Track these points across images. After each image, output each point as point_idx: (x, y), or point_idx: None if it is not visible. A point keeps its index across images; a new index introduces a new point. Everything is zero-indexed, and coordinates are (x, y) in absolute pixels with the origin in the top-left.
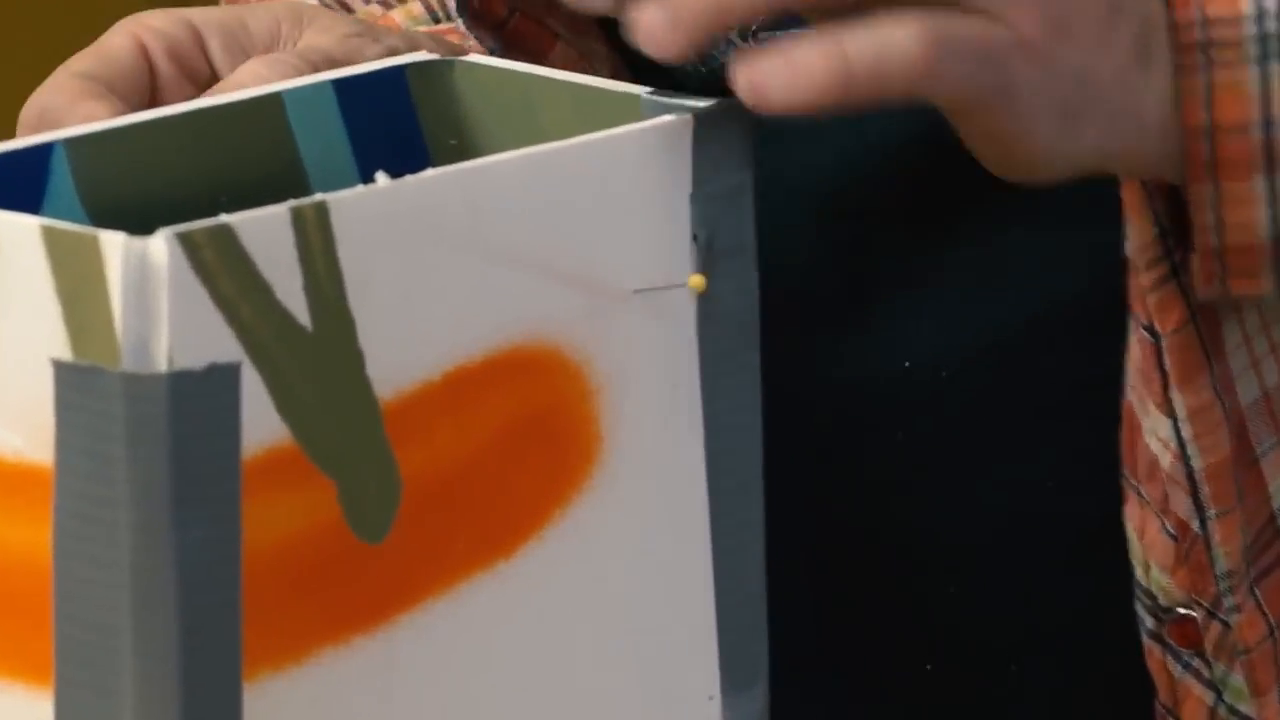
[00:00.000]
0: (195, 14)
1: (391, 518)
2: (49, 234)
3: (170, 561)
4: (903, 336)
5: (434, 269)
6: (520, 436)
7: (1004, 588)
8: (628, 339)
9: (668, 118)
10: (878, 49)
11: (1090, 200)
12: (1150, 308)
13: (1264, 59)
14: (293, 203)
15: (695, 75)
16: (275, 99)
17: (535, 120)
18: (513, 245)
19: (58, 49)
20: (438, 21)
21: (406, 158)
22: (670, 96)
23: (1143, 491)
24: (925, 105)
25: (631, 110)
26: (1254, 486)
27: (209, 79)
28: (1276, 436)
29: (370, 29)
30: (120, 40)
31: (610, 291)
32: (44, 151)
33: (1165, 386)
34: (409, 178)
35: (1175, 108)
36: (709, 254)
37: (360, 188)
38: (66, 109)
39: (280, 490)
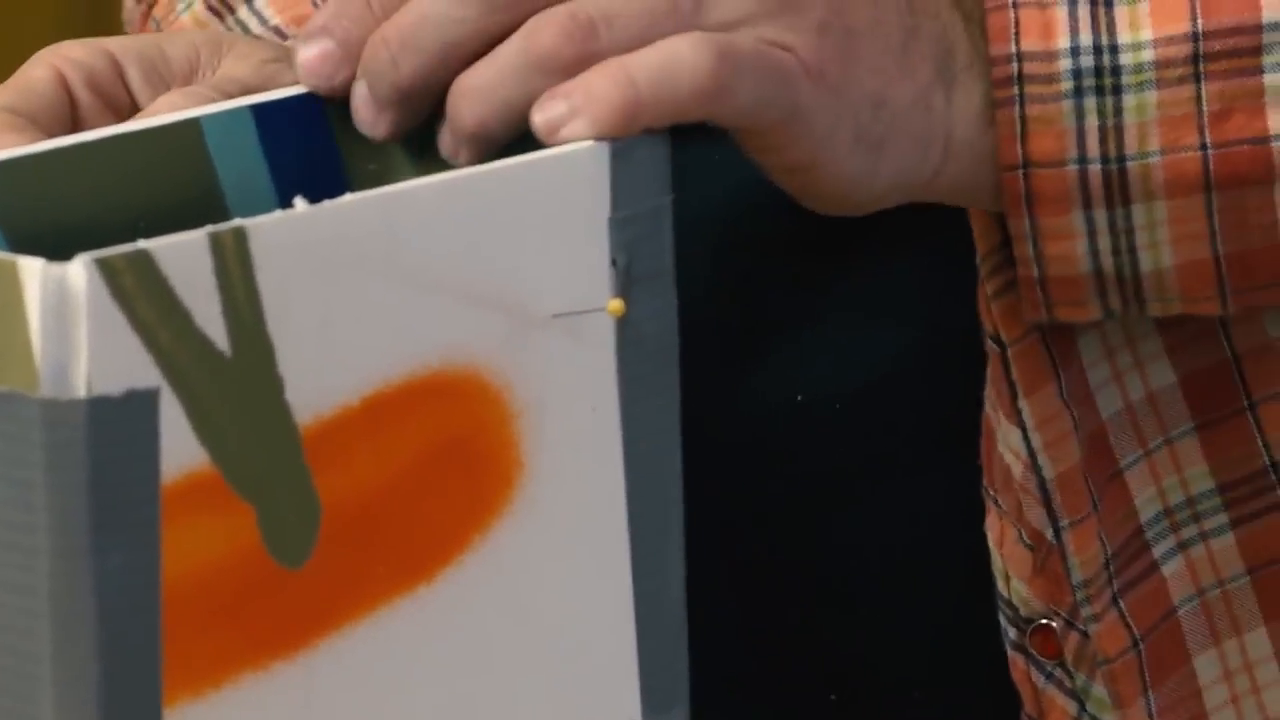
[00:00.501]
0: (113, 44)
1: (311, 543)
2: None
3: (89, 588)
4: (795, 369)
5: (353, 294)
6: (440, 461)
7: (904, 614)
8: (547, 363)
9: (586, 143)
10: (665, 68)
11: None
12: (995, 316)
13: (1078, 93)
14: (211, 228)
15: None
16: (193, 124)
17: None
18: (431, 270)
19: None
20: None
21: (325, 183)
22: None
23: (1000, 501)
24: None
25: None
26: (1117, 499)
27: (129, 108)
28: (1141, 450)
29: (289, 54)
30: (40, 72)
31: (529, 316)
32: None
33: (1014, 396)
34: (327, 203)
35: (988, 128)
36: (628, 279)
37: (278, 213)
38: None
39: (200, 516)
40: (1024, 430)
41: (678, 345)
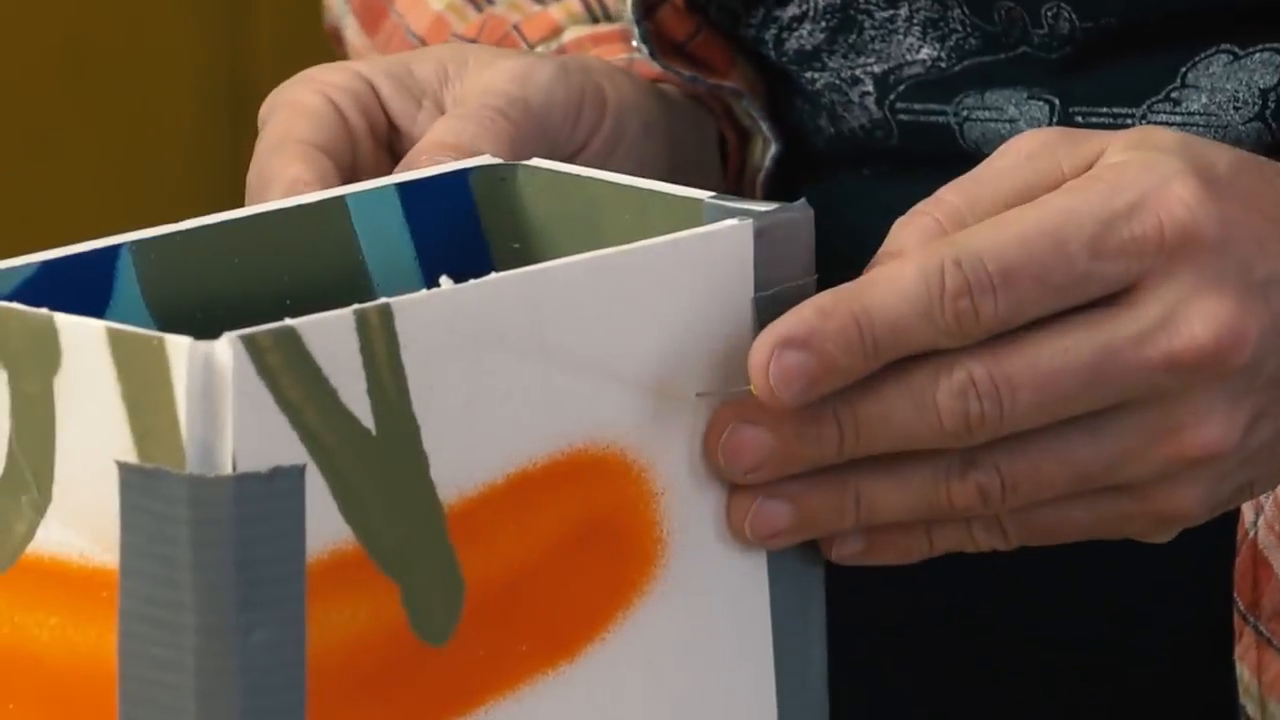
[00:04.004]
0: (362, 66)
1: (455, 620)
2: (114, 337)
3: (234, 664)
4: None
5: (497, 372)
6: (583, 539)
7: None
8: (691, 442)
9: (730, 222)
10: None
11: None
12: None
13: None
14: (357, 306)
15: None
16: (339, 202)
17: (597, 224)
18: (575, 349)
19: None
20: (595, 21)
21: (469, 261)
22: (732, 201)
23: (1263, 629)
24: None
25: (694, 214)
26: None
27: (386, 128)
28: None
29: (527, 54)
30: (315, 100)
31: (673, 395)
32: (110, 254)
33: None
34: (472, 282)
35: None
36: None
37: (424, 292)
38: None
39: (344, 593)
40: None
41: None
